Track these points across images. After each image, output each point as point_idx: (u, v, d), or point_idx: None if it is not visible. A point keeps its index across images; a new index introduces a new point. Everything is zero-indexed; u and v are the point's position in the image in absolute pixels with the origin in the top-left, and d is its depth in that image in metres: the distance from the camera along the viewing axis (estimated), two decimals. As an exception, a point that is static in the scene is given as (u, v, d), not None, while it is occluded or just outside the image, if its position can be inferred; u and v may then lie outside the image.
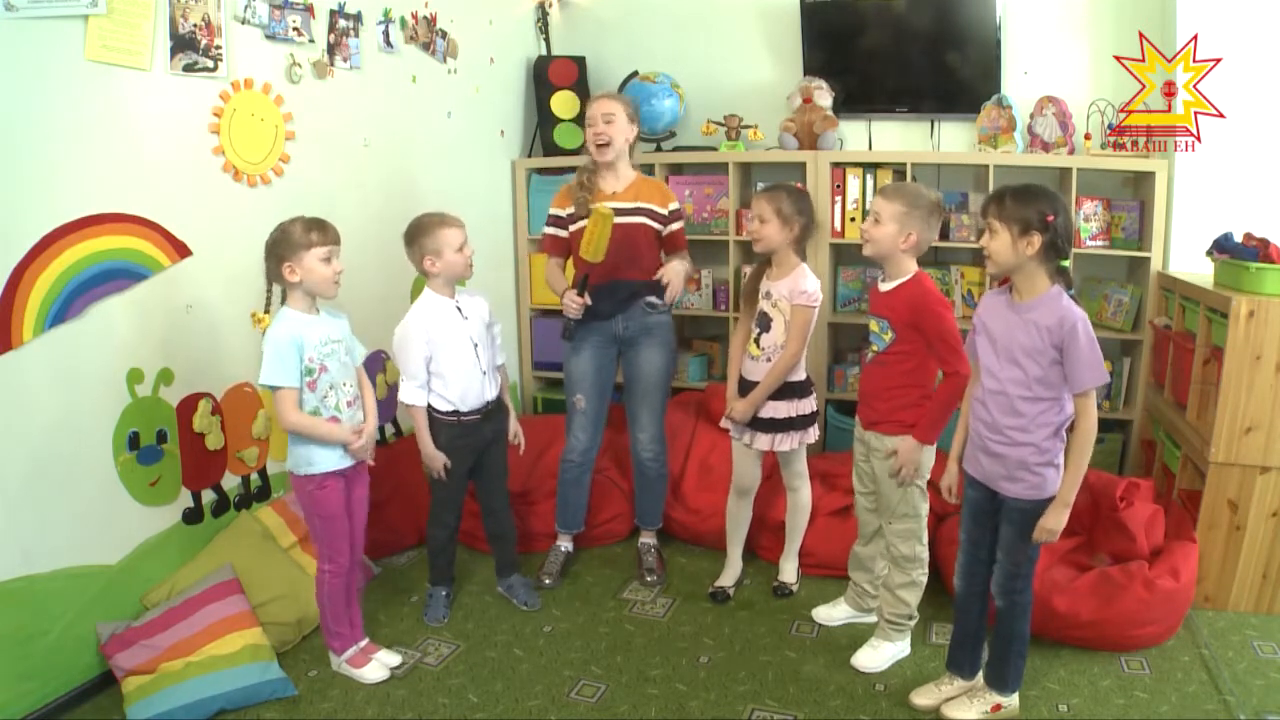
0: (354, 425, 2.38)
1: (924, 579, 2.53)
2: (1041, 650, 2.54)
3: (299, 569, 2.75)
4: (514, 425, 2.88)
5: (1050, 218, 1.98)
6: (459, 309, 2.68)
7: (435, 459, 2.69)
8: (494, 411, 2.78)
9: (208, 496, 2.74)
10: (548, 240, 3.06)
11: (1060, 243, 2.01)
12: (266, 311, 2.32)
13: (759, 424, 2.76)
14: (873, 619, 2.69)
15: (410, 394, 2.65)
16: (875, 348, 2.49)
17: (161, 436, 2.56)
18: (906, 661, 2.55)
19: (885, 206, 2.37)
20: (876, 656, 2.53)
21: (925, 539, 2.52)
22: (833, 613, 2.79)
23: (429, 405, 2.68)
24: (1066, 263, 2.07)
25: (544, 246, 3.10)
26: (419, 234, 2.61)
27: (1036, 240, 2.00)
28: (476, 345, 2.69)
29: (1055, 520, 2.07)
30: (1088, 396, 2.03)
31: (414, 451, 2.81)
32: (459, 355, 2.66)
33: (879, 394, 2.49)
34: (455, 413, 2.68)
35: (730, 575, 3.00)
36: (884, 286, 2.46)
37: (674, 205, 3.03)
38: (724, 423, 2.87)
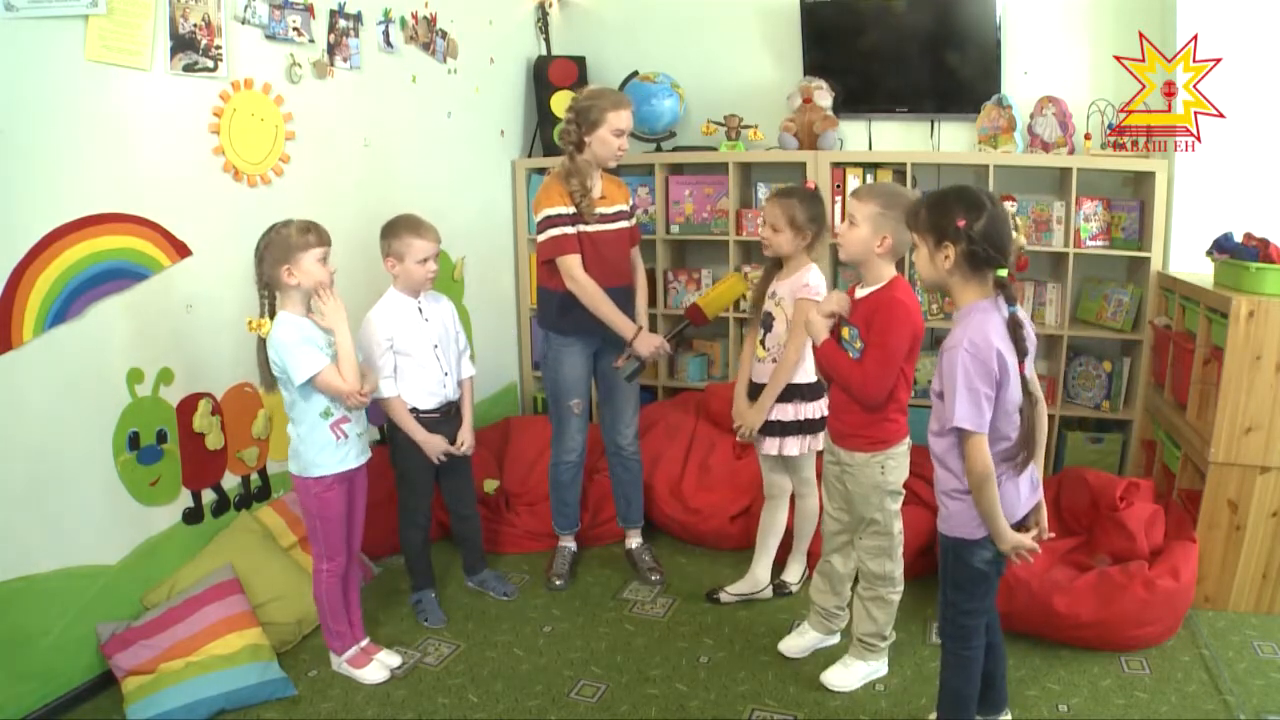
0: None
1: (895, 598, 2.40)
2: (1041, 650, 2.55)
3: (299, 569, 2.75)
4: (463, 433, 2.78)
5: (961, 223, 1.78)
6: (420, 310, 2.69)
7: (430, 443, 2.69)
8: (457, 414, 2.79)
9: (208, 496, 2.74)
10: (568, 241, 2.77)
11: (983, 250, 1.79)
12: (263, 317, 2.29)
13: (763, 427, 2.70)
14: (836, 639, 2.62)
15: (383, 388, 2.64)
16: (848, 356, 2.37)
17: (161, 436, 2.57)
18: (907, 662, 2.54)
19: (859, 208, 2.22)
20: (848, 675, 2.44)
21: (898, 557, 2.38)
22: (800, 642, 2.62)
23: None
24: (1003, 272, 1.83)
25: (565, 248, 2.76)
26: (391, 233, 2.62)
27: (951, 251, 1.81)
28: (436, 346, 2.70)
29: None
30: (968, 441, 1.81)
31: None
32: (419, 356, 2.67)
33: (847, 406, 2.31)
34: (414, 410, 2.69)
35: (745, 585, 2.91)
36: (859, 292, 2.29)
37: (631, 199, 3.00)
38: (739, 435, 2.79)
